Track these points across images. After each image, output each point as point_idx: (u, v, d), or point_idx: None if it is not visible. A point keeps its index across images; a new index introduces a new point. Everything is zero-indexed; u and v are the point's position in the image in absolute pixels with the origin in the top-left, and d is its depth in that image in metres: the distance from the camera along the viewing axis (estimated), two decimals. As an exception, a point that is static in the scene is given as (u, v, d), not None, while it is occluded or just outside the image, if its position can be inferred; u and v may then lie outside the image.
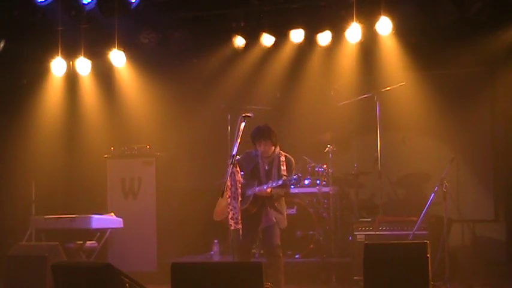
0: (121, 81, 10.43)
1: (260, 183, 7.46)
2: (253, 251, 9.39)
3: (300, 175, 7.29)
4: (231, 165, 7.05)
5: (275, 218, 7.45)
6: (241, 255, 7.45)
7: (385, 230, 8.42)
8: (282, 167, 7.47)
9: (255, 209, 7.46)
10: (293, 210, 9.30)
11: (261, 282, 5.64)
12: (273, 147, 7.53)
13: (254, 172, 7.57)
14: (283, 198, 7.65)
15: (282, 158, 7.52)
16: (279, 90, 10.57)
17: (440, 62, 9.87)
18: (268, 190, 7.36)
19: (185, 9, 9.41)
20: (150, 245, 9.73)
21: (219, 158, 9.85)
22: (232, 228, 7.09)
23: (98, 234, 9.09)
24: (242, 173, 7.41)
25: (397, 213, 9.44)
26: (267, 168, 7.55)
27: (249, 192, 7.47)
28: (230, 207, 7.08)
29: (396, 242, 7.59)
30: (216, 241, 9.68)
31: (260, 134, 7.51)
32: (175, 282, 5.81)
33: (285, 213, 7.67)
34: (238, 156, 7.28)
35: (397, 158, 10.10)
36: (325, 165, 9.59)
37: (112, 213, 9.12)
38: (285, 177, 7.33)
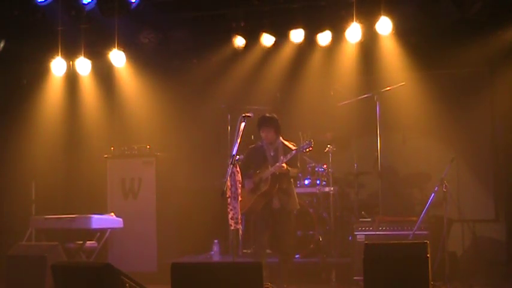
0: (121, 81, 10.43)
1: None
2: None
3: (311, 140, 7.71)
4: (231, 165, 7.09)
5: (288, 201, 7.85)
6: (259, 245, 7.85)
7: (385, 230, 8.41)
8: (289, 147, 7.89)
9: (275, 190, 7.78)
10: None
11: (260, 282, 5.64)
12: (276, 135, 7.97)
13: (264, 160, 7.96)
14: (292, 182, 8.07)
15: (286, 143, 7.99)
16: (279, 90, 10.57)
17: (440, 62, 9.86)
18: (284, 166, 7.73)
19: (185, 9, 9.41)
20: (150, 245, 9.72)
21: (219, 158, 9.85)
22: (232, 228, 7.14)
23: (98, 234, 9.08)
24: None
25: (397, 213, 9.44)
26: (272, 154, 7.96)
27: (266, 174, 7.81)
28: (230, 207, 7.15)
29: (396, 242, 7.58)
30: (216, 241, 9.67)
31: (263, 121, 7.96)
32: (175, 282, 5.81)
33: (296, 196, 8.09)
34: (238, 156, 7.34)
35: (397, 158, 10.11)
36: (325, 165, 9.59)
37: (112, 213, 9.12)
38: (294, 148, 7.81)
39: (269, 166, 7.84)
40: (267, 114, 8.02)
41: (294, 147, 7.87)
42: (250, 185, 7.91)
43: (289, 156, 7.74)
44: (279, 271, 7.85)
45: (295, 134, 8.89)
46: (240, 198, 7.23)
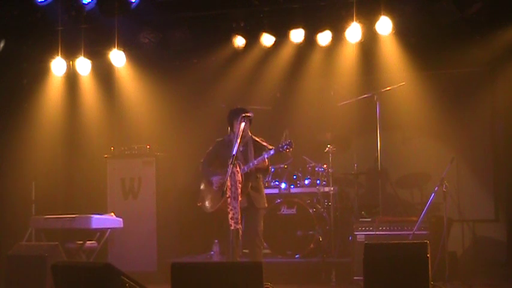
0: (121, 81, 10.44)
1: (241, 164, 7.56)
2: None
3: (291, 141, 7.48)
4: (231, 165, 7.07)
5: (256, 199, 7.65)
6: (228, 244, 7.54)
7: (385, 230, 8.41)
8: (262, 144, 7.69)
9: (248, 189, 7.56)
10: (293, 210, 9.30)
11: (260, 282, 5.64)
12: (248, 129, 7.71)
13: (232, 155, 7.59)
14: (261, 180, 7.86)
15: (256, 138, 7.76)
16: (279, 90, 10.58)
17: (440, 62, 9.86)
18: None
19: (185, 9, 9.40)
20: (150, 245, 9.73)
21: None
22: (232, 228, 7.11)
23: (98, 234, 9.08)
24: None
25: (397, 213, 9.45)
26: (242, 149, 7.66)
27: (245, 169, 7.53)
28: (230, 207, 7.11)
29: (396, 242, 7.57)
30: (216, 241, 9.68)
31: (242, 112, 7.60)
32: (175, 282, 5.81)
33: (264, 194, 7.88)
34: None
35: (397, 158, 10.11)
36: (325, 165, 9.59)
37: (112, 213, 9.12)
38: (272, 147, 7.56)
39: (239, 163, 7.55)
40: (239, 107, 7.81)
41: (269, 146, 7.64)
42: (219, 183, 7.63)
43: (266, 155, 7.49)
44: None
45: (295, 135, 8.92)
46: (240, 198, 7.20)
